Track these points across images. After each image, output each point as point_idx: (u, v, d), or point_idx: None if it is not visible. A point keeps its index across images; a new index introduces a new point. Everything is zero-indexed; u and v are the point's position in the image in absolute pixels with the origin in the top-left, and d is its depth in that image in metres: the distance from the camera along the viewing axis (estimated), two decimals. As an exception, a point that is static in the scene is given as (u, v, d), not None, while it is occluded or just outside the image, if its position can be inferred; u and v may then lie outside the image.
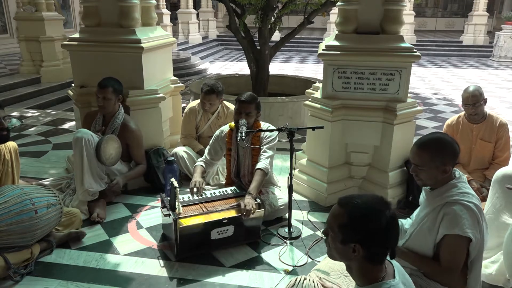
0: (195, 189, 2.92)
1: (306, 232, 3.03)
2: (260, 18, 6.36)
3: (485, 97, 3.33)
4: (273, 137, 3.12)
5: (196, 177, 3.04)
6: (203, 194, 2.94)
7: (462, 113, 3.47)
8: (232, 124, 3.16)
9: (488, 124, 3.34)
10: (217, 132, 3.28)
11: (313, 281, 1.80)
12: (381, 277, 1.40)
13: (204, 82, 3.84)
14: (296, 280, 1.82)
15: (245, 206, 2.70)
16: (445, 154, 1.93)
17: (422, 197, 2.18)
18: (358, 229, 1.36)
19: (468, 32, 16.71)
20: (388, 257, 1.46)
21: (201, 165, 3.20)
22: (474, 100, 3.24)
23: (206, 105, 3.75)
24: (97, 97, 3.30)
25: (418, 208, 2.22)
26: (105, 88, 3.27)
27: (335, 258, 1.48)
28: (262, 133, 3.11)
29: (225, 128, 3.24)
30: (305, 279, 1.81)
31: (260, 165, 2.98)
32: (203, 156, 3.28)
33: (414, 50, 3.26)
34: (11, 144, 2.92)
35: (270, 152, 3.07)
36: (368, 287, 1.41)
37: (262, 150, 3.08)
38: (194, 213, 2.69)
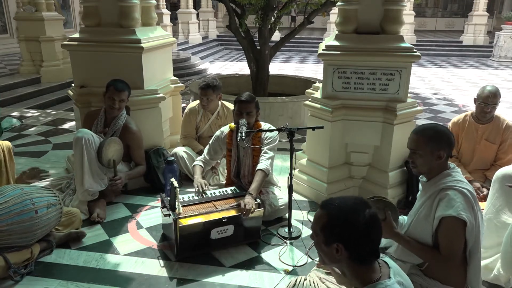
0: (200, 189, 2.94)
1: (306, 232, 3.03)
2: (260, 18, 6.36)
3: None
4: (274, 138, 3.12)
5: (199, 178, 3.05)
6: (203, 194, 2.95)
7: (469, 112, 3.45)
8: (232, 125, 3.16)
9: (494, 126, 3.33)
10: (218, 132, 3.28)
11: (313, 282, 1.80)
12: (375, 278, 1.41)
13: (202, 80, 3.86)
14: (296, 280, 1.82)
15: (245, 205, 2.71)
16: (440, 139, 2.01)
17: (419, 192, 2.20)
18: (339, 229, 1.40)
19: (468, 32, 16.73)
20: (383, 258, 1.48)
21: (200, 165, 3.21)
22: (494, 101, 3.20)
23: (204, 100, 3.74)
24: (110, 100, 3.25)
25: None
26: (123, 91, 3.27)
27: (326, 264, 1.52)
28: (263, 133, 3.11)
29: (225, 129, 3.24)
30: (305, 279, 1.82)
31: (261, 165, 2.98)
32: (202, 156, 3.29)
33: (414, 50, 3.26)
34: (5, 144, 2.92)
35: (271, 153, 3.08)
36: None
37: (263, 151, 3.08)
38: (194, 213, 2.69)
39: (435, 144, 2.00)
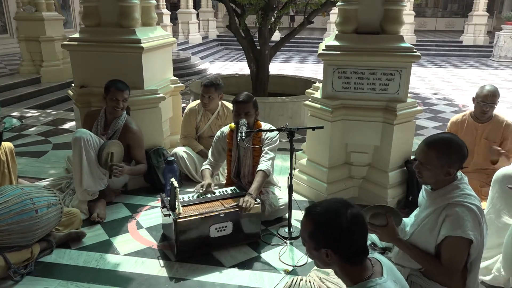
0: (201, 190, 2.91)
1: (306, 232, 3.02)
2: (260, 18, 6.36)
3: None
4: (274, 139, 3.12)
5: (206, 180, 3.01)
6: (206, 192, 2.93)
7: (468, 111, 3.44)
8: (233, 125, 3.15)
9: (494, 124, 3.31)
10: (218, 133, 3.28)
11: (309, 282, 1.80)
12: (366, 276, 1.41)
13: (205, 78, 3.86)
14: (292, 280, 1.82)
15: (243, 202, 2.70)
16: (452, 156, 1.91)
17: (421, 197, 2.17)
18: (323, 234, 1.40)
19: (468, 32, 16.74)
20: (375, 256, 1.48)
21: (208, 169, 3.18)
22: (492, 100, 3.19)
23: (205, 98, 3.74)
24: (114, 101, 3.24)
25: (418, 208, 2.21)
26: (124, 90, 3.27)
27: (320, 266, 1.53)
28: (264, 134, 3.11)
29: (226, 129, 3.23)
30: (301, 279, 1.82)
31: (262, 166, 2.98)
32: (208, 160, 3.27)
33: (414, 50, 3.26)
34: (7, 145, 2.92)
35: (272, 154, 3.07)
36: (354, 287, 1.42)
37: (264, 152, 3.07)
38: (194, 213, 2.69)
39: (446, 160, 1.90)
